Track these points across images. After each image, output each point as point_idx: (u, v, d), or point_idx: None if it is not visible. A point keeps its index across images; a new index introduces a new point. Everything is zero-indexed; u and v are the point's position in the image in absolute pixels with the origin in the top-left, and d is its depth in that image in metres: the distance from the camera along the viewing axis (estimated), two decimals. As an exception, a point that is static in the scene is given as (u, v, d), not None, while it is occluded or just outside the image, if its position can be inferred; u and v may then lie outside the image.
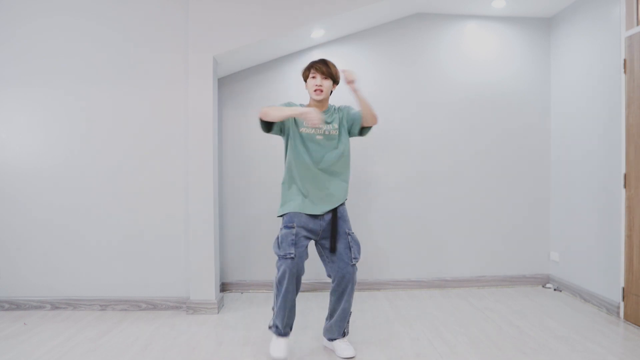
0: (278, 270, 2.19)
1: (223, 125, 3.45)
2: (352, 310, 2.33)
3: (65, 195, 3.04)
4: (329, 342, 2.37)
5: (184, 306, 3.00)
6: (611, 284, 2.86)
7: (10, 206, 3.03)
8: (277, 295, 2.23)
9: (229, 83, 3.46)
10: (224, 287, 3.45)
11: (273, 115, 2.17)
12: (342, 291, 2.24)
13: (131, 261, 3.05)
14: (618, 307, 2.79)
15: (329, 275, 2.31)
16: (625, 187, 2.74)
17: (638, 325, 2.62)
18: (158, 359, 2.24)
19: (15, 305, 3.02)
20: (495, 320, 2.76)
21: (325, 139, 2.31)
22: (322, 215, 2.28)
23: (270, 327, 2.29)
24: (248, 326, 2.69)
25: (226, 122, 3.46)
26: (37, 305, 3.02)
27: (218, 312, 2.96)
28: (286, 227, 2.21)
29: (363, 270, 3.49)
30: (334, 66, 2.33)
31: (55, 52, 3.01)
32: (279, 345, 2.21)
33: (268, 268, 3.46)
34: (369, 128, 2.39)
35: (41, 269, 3.04)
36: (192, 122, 2.95)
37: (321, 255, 2.34)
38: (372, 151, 3.49)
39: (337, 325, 2.29)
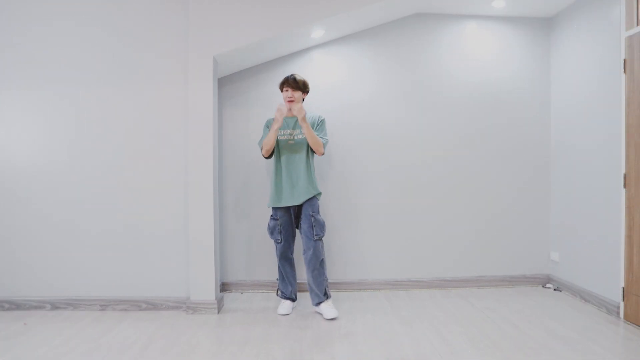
0: (275, 250, 3.01)
1: (223, 125, 3.45)
2: (327, 276, 2.94)
3: (65, 195, 3.04)
4: (316, 307, 2.89)
5: (184, 306, 3.00)
6: (611, 284, 2.86)
7: (9, 207, 3.04)
8: (278, 269, 3.02)
9: (229, 83, 3.46)
10: (224, 287, 3.45)
11: (270, 145, 2.85)
12: (309, 260, 2.86)
13: (131, 261, 3.05)
14: (618, 307, 2.79)
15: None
16: (625, 187, 2.74)
17: (638, 325, 2.62)
18: (158, 359, 2.24)
19: (15, 305, 3.02)
20: (495, 320, 2.77)
21: (295, 143, 2.91)
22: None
23: (277, 294, 3.04)
24: (248, 326, 2.69)
25: (226, 122, 3.46)
26: (37, 305, 3.02)
27: (218, 312, 2.96)
28: (272, 218, 2.96)
29: (363, 270, 3.50)
30: (301, 80, 2.93)
31: (56, 51, 3.02)
32: (284, 305, 2.96)
33: (268, 268, 3.47)
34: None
35: (41, 268, 3.04)
36: (192, 122, 2.95)
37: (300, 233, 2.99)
38: (371, 151, 3.49)
39: (316, 289, 2.86)
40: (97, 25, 3.03)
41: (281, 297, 3.01)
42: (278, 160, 2.95)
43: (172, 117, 3.05)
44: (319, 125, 2.97)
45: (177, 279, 3.05)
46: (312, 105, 3.28)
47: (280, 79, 3.44)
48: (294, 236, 3.02)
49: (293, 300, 3.01)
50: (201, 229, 2.95)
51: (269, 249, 3.46)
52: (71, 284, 3.05)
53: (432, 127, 3.53)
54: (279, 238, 2.93)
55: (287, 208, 2.94)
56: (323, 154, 2.93)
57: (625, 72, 2.73)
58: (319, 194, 2.97)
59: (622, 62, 2.75)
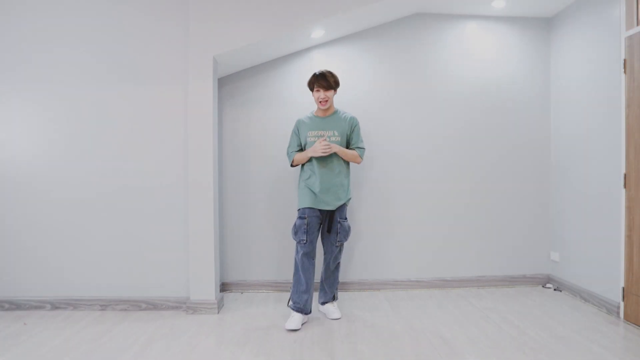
0: (296, 253, 2.77)
1: (223, 125, 3.45)
2: (339, 280, 3.02)
3: (64, 196, 3.04)
4: (321, 306, 2.91)
5: (184, 306, 3.00)
6: (611, 284, 2.86)
7: (9, 207, 3.04)
8: (294, 275, 2.79)
9: (229, 83, 3.46)
10: (224, 287, 3.45)
11: (302, 160, 2.83)
12: (327, 262, 2.86)
13: (131, 261, 3.05)
14: (618, 307, 2.79)
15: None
16: (625, 187, 2.74)
17: (638, 325, 2.63)
18: (158, 359, 2.24)
19: (15, 305, 3.02)
20: (495, 320, 2.77)
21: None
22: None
23: (288, 304, 2.78)
24: (248, 326, 2.70)
25: (226, 122, 3.46)
26: (37, 305, 3.02)
27: (218, 312, 2.96)
28: (300, 217, 2.76)
29: (363, 270, 3.50)
30: (332, 76, 2.78)
31: (56, 52, 3.02)
32: (293, 319, 2.67)
33: (268, 268, 3.47)
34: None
35: (41, 269, 3.04)
36: (192, 122, 2.95)
37: (321, 233, 2.89)
38: (369, 151, 3.49)
39: (327, 289, 2.88)
40: (97, 25, 3.03)
41: (292, 309, 2.70)
42: (309, 162, 2.82)
43: (172, 117, 3.05)
44: (354, 130, 2.86)
45: (177, 279, 3.05)
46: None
47: (280, 79, 3.47)
48: (317, 237, 2.83)
49: (306, 313, 2.71)
50: (201, 229, 2.95)
51: (268, 249, 3.46)
52: (71, 284, 3.05)
53: (431, 127, 3.53)
54: (304, 238, 2.71)
55: (319, 209, 2.79)
56: (360, 162, 2.92)
57: (625, 72, 2.73)
58: (349, 199, 2.87)
59: (622, 62, 2.75)
